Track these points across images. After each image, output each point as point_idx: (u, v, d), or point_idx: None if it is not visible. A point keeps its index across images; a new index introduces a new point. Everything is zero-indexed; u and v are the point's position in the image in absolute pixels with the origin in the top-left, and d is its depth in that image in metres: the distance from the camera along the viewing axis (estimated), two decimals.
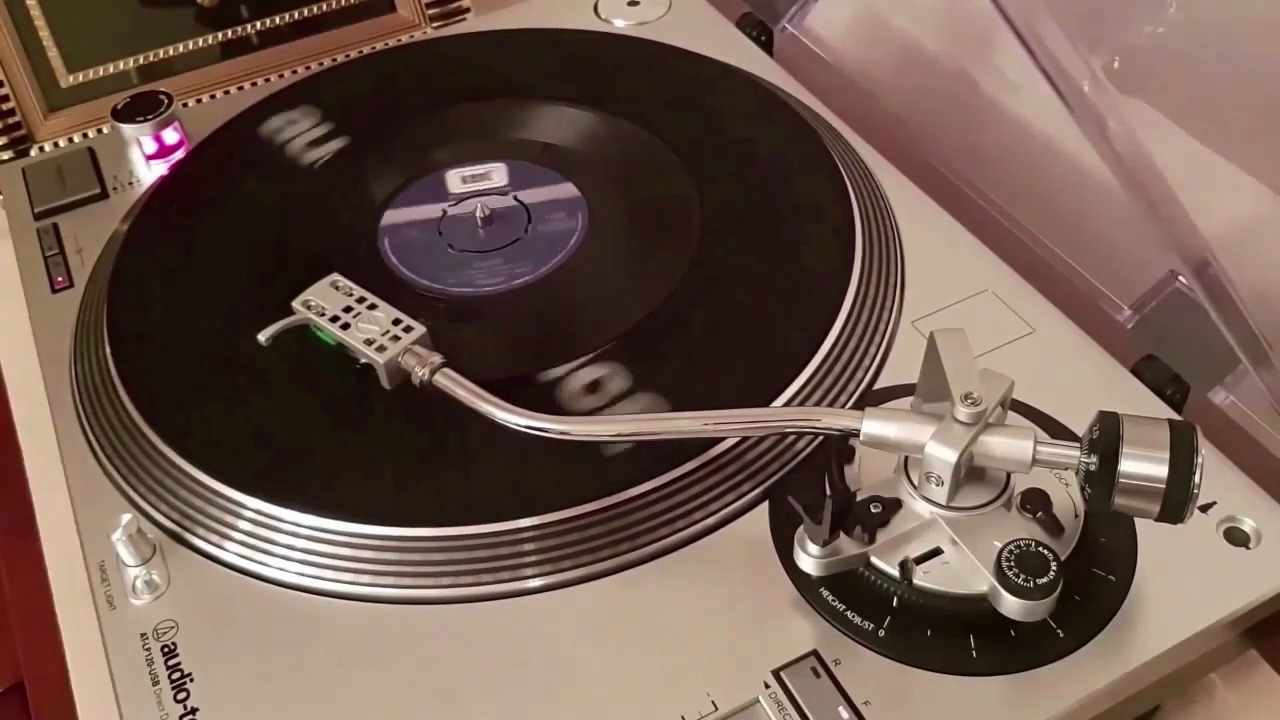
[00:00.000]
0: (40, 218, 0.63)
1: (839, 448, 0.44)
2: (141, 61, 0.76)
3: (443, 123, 0.64)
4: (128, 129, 0.65)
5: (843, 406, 0.48)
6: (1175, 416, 0.47)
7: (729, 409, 0.43)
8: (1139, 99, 0.57)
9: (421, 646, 0.42)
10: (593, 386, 0.49)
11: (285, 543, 0.44)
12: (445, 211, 0.59)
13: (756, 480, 0.45)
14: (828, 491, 0.43)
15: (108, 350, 0.52)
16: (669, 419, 0.44)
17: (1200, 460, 0.36)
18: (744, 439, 0.46)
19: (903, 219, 0.57)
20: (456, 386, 0.45)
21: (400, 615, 0.43)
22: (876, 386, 0.49)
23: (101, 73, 0.76)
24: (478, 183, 0.60)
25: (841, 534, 0.40)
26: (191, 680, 0.41)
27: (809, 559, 0.40)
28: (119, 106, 0.66)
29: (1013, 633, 0.40)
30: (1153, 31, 0.59)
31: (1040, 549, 0.38)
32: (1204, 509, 0.43)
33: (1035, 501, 0.40)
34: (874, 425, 0.40)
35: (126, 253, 0.58)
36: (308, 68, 0.78)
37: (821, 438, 0.46)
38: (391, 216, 0.59)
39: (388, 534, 0.44)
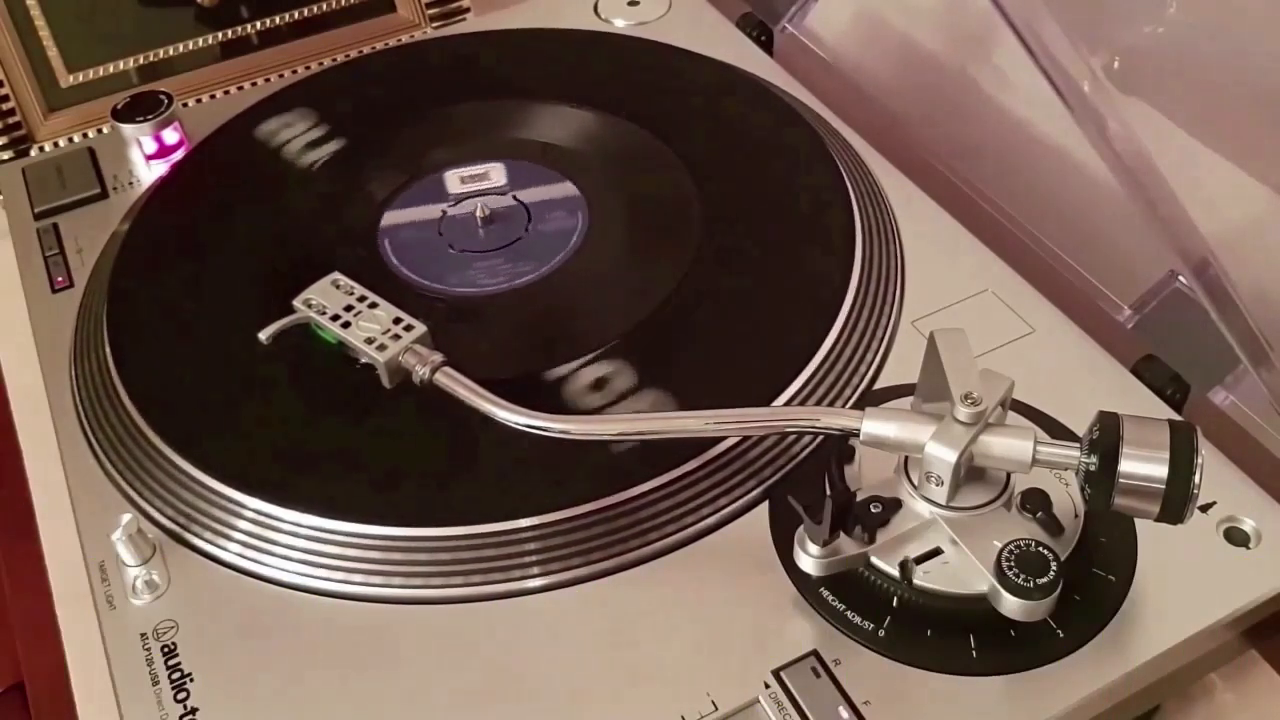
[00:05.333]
0: (40, 218, 0.63)
1: (839, 448, 0.44)
2: (141, 61, 0.76)
3: (443, 123, 0.64)
4: (128, 129, 0.65)
5: (843, 406, 0.48)
6: (1175, 416, 0.47)
7: (729, 409, 0.43)
8: (1139, 99, 0.57)
9: (422, 647, 0.42)
10: (593, 386, 0.49)
11: (285, 543, 0.44)
12: (445, 211, 0.59)
13: (757, 480, 0.45)
14: (828, 491, 0.43)
15: (108, 350, 0.52)
16: (669, 418, 0.44)
17: (1200, 460, 0.36)
18: (744, 439, 0.46)
19: (903, 219, 0.57)
20: (457, 385, 0.45)
21: (400, 615, 0.43)
22: (876, 386, 0.49)
23: (101, 73, 0.76)
24: (477, 183, 0.60)
25: (841, 534, 0.40)
26: (191, 680, 0.41)
27: (809, 559, 0.40)
28: (119, 106, 0.66)
29: (1013, 633, 0.40)
30: (1153, 31, 0.59)
31: (1040, 549, 0.38)
32: (1204, 509, 0.43)
33: (1035, 501, 0.40)
34: (874, 425, 0.40)
35: (126, 253, 0.58)
36: (308, 68, 0.78)
37: (821, 438, 0.46)
38: (392, 216, 0.59)
39: (388, 534, 0.44)
